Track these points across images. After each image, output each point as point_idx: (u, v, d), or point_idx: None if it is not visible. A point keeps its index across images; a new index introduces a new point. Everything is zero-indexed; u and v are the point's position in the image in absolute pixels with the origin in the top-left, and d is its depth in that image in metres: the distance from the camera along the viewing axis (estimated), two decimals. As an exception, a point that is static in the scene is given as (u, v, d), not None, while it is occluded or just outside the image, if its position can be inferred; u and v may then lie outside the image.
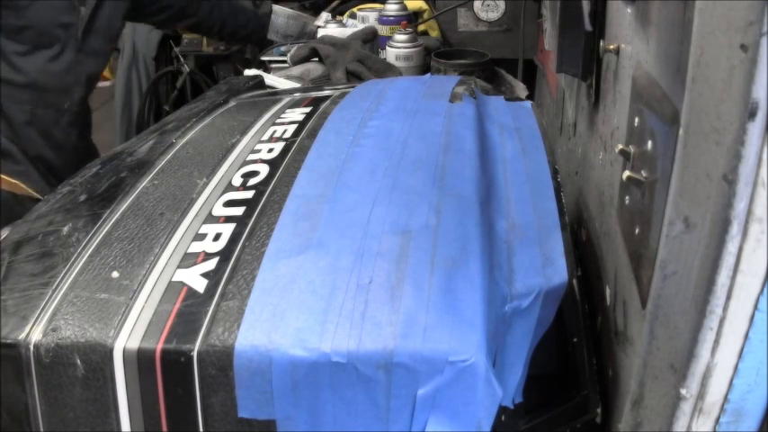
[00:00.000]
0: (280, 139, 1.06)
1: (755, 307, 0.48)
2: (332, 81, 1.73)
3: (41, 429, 0.69)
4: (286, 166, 0.96)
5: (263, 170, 0.96)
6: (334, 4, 2.37)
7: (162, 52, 3.03)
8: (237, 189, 0.91)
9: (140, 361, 0.66)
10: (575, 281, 0.78)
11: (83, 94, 1.99)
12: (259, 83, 1.53)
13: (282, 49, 2.05)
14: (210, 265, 0.76)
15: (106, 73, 2.74)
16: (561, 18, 1.09)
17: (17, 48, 1.84)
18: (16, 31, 1.83)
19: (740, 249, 0.47)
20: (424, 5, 2.15)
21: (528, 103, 1.27)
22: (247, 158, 1.00)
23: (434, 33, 2.13)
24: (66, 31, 1.88)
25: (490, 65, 1.88)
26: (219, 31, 2.30)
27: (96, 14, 1.92)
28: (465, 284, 0.70)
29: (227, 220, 0.84)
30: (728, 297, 0.48)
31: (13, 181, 1.50)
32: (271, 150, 1.02)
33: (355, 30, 1.97)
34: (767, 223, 0.46)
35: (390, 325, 0.66)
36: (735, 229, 0.46)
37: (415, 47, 1.85)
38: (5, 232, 0.90)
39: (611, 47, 0.90)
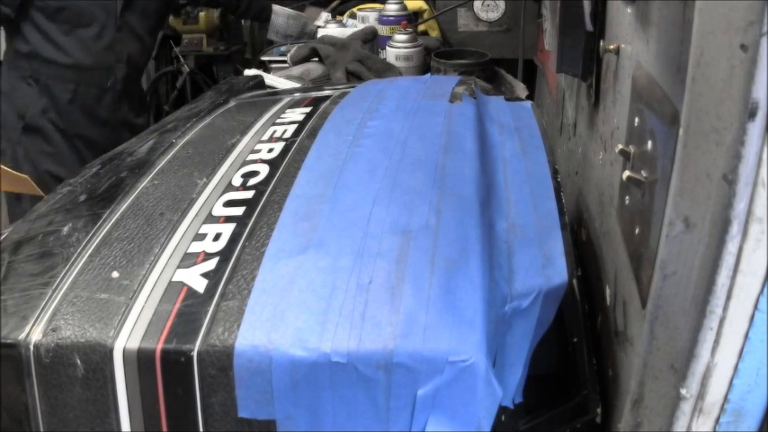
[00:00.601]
0: (280, 139, 1.06)
1: (755, 307, 0.48)
2: (332, 81, 1.73)
3: (41, 429, 0.69)
4: (286, 166, 0.96)
5: (263, 170, 0.96)
6: (334, 4, 2.37)
7: (162, 52, 3.03)
8: (237, 189, 0.91)
9: (140, 361, 0.66)
10: (575, 281, 0.78)
11: (125, 72, 2.05)
12: (259, 83, 1.53)
13: (282, 49, 2.05)
14: (210, 265, 0.76)
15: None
16: (561, 18, 1.09)
17: (58, 28, 1.92)
18: (55, 12, 1.91)
19: (740, 249, 0.47)
20: (424, 5, 2.15)
21: (528, 103, 1.27)
22: (247, 158, 1.00)
23: (434, 33, 2.13)
24: (105, 9, 1.96)
25: (490, 65, 1.88)
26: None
27: None
28: (465, 284, 0.70)
29: (227, 220, 0.84)
30: (728, 297, 0.48)
31: (20, 174, 1.50)
32: (271, 150, 1.02)
33: (355, 30, 1.97)
34: (767, 223, 0.46)
35: (390, 325, 0.66)
36: (735, 229, 0.46)
37: (415, 47, 1.85)
38: (6, 232, 0.90)
39: (611, 47, 0.90)
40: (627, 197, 0.75)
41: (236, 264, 0.75)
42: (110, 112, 2.05)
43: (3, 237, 0.89)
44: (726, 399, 0.52)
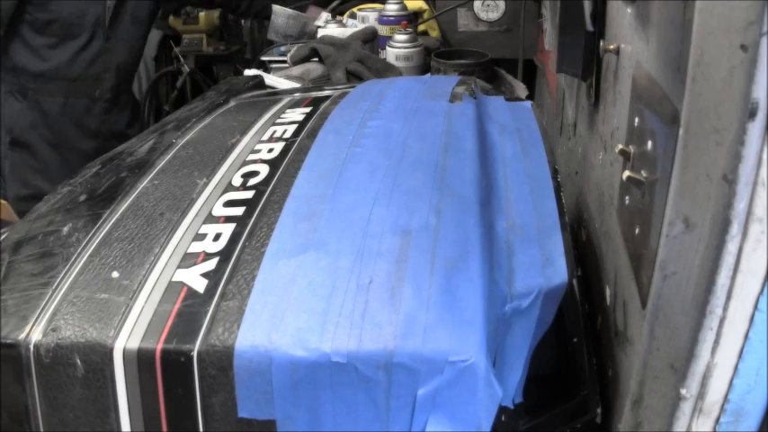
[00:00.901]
0: (280, 139, 1.06)
1: (755, 307, 0.48)
2: (332, 81, 1.73)
3: (41, 429, 0.69)
4: (286, 166, 0.96)
5: (263, 170, 0.96)
6: (334, 4, 2.37)
7: (162, 52, 3.03)
8: (237, 189, 0.91)
9: (140, 361, 0.66)
10: (575, 281, 0.78)
11: (114, 82, 2.03)
12: (259, 83, 1.53)
13: (282, 49, 2.05)
14: (210, 265, 0.76)
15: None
16: (561, 18, 1.09)
17: (45, 41, 1.91)
18: (44, 25, 1.89)
19: (740, 249, 0.47)
20: (424, 5, 2.15)
21: (528, 103, 1.27)
22: (247, 158, 1.00)
23: (434, 33, 2.13)
24: (93, 20, 1.93)
25: (490, 65, 1.88)
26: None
27: (123, 2, 1.96)
28: (465, 284, 0.70)
29: (227, 220, 0.84)
30: (728, 297, 0.48)
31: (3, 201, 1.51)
32: (271, 150, 1.02)
33: (355, 30, 1.97)
34: (767, 223, 0.46)
35: (390, 325, 0.66)
36: (735, 229, 0.46)
37: (415, 47, 1.85)
38: (5, 232, 0.90)
39: (611, 47, 0.90)
40: (627, 197, 0.75)
41: (236, 264, 0.75)
42: (100, 123, 2.04)
43: (3, 237, 0.89)
44: (726, 399, 0.52)
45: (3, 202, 1.59)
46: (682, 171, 0.52)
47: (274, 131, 1.09)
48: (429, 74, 1.73)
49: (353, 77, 1.73)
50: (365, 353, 0.64)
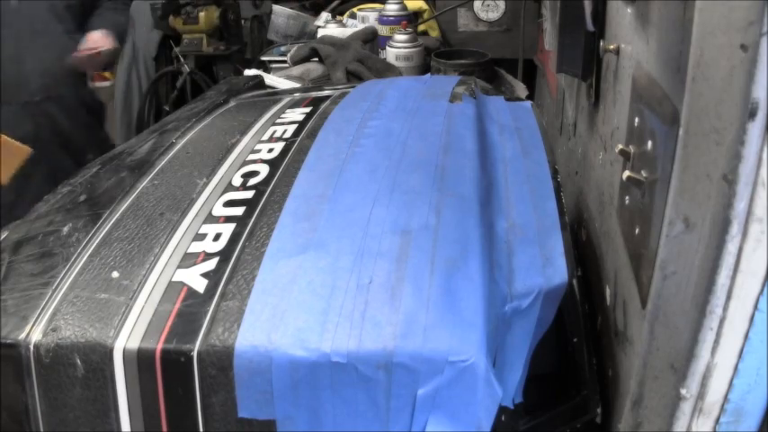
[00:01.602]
0: (280, 139, 1.06)
1: (755, 307, 0.48)
2: (332, 81, 1.73)
3: (41, 429, 0.69)
4: (286, 166, 0.96)
5: (263, 170, 0.96)
6: (334, 4, 2.37)
7: (162, 52, 3.03)
8: (237, 189, 0.91)
9: (140, 361, 0.66)
10: (575, 281, 0.78)
11: (41, 83, 1.87)
12: (259, 83, 1.53)
13: (282, 49, 2.05)
14: (210, 265, 0.76)
15: (107, 73, 2.71)
16: (561, 18, 1.09)
17: None
18: None
19: (740, 249, 0.47)
20: (424, 5, 2.15)
21: (528, 103, 1.27)
22: (247, 158, 1.00)
23: (434, 33, 2.13)
24: None
25: (490, 65, 1.89)
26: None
27: None
28: (465, 284, 0.70)
29: (227, 220, 0.84)
30: (728, 297, 0.48)
31: (21, 146, 1.41)
32: (271, 150, 1.02)
33: (355, 30, 1.97)
34: (767, 223, 0.46)
35: (390, 325, 0.66)
36: (735, 229, 0.46)
37: (415, 47, 1.85)
38: (5, 232, 0.90)
39: (611, 47, 0.90)
40: (627, 197, 0.75)
41: (236, 264, 0.75)
42: (38, 127, 1.87)
43: (3, 237, 0.89)
44: (726, 399, 0.52)
45: (28, 149, 1.46)
46: (682, 171, 0.52)
47: (274, 131, 1.09)
48: (429, 74, 1.73)
49: (353, 77, 1.73)
50: (365, 353, 0.64)
